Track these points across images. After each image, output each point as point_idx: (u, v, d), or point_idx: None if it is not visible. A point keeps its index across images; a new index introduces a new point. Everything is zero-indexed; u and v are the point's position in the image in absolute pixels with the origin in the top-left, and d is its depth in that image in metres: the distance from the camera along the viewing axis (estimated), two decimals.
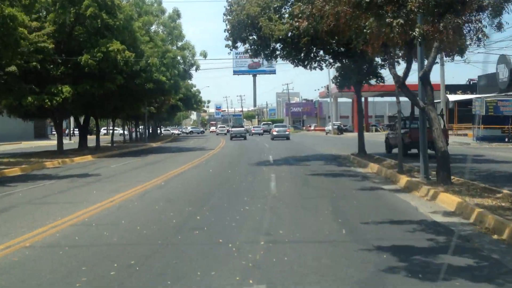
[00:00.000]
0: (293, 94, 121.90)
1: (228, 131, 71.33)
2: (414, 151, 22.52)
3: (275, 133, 53.95)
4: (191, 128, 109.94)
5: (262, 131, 78.52)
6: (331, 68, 27.43)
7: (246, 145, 43.97)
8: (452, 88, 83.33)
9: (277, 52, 24.67)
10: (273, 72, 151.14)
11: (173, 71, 33.58)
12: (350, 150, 30.61)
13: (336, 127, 73.19)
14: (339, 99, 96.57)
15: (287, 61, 25.32)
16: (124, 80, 32.03)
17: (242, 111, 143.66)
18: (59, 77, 28.51)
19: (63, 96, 27.26)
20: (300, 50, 24.23)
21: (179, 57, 36.71)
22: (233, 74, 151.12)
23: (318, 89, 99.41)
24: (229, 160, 25.05)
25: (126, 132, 62.92)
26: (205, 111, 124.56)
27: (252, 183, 15.42)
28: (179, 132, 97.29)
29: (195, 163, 23.88)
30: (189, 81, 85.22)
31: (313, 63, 25.34)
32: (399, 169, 15.73)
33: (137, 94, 33.92)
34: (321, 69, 26.81)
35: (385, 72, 28.23)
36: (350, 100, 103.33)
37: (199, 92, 71.41)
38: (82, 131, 36.93)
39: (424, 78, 13.99)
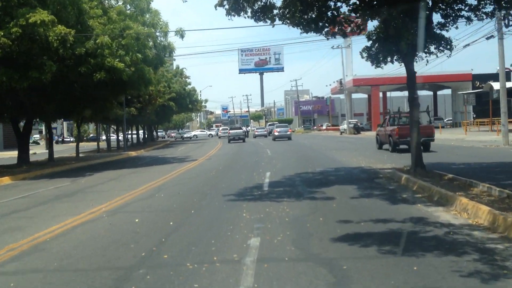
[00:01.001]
0: (303, 91, 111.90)
1: None
2: (404, 146, 23.81)
3: (276, 133, 51.82)
4: (199, 131, 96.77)
5: (266, 132, 68.88)
6: (360, 33, 17.38)
7: (243, 151, 34.29)
8: (483, 78, 73.24)
9: (275, 11, 15.00)
10: (281, 69, 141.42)
11: (135, 55, 23.78)
12: (385, 158, 20.84)
13: (352, 125, 63.21)
14: (353, 95, 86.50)
15: (290, 25, 15.50)
16: (63, 67, 22.48)
17: (248, 111, 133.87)
18: None
19: None
20: (311, 5, 14.79)
21: (150, 39, 27.05)
22: (239, 73, 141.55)
23: (330, 85, 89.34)
24: (196, 187, 15.02)
25: (120, 138, 53.99)
26: (202, 111, 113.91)
27: None
28: (177, 136, 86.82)
29: (135, 193, 14.05)
30: (186, 79, 76.01)
31: (330, 24, 15.58)
32: None
33: (83, 88, 24.28)
34: (344, 35, 17.09)
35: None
36: (365, 96, 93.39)
37: (194, 91, 61.59)
38: (21, 140, 27.30)
39: None
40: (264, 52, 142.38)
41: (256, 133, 69.42)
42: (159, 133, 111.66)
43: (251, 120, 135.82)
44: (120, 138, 55.46)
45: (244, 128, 67.94)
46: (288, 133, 52.17)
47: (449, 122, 75.80)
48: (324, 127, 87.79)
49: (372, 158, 22.01)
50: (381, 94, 76.29)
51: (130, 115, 44.25)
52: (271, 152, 30.46)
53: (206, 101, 75.00)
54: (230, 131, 55.45)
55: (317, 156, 25.25)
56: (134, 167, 24.80)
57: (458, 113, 74.92)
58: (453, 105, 77.30)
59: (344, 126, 64.89)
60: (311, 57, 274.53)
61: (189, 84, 75.49)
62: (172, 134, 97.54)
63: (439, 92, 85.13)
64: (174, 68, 64.50)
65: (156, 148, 49.28)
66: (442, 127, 73.23)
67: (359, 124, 66.19)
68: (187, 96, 60.85)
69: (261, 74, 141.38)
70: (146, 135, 75.21)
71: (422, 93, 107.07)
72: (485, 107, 66.32)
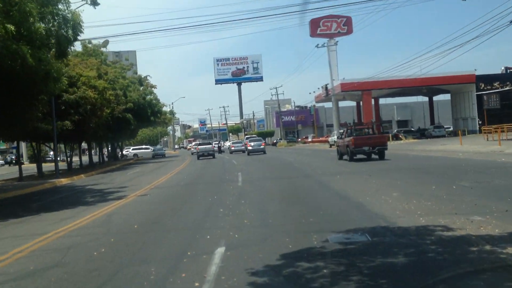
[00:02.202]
0: (284, 101, 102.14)
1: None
2: (360, 156, 26.79)
3: (250, 148, 49.19)
4: (157, 148, 79.00)
5: (244, 147, 58.95)
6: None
7: (205, 176, 24.11)
8: (488, 79, 64.39)
9: None
10: (260, 79, 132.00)
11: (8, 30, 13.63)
12: (440, 196, 10.70)
13: None
14: (339, 103, 76.95)
15: None
16: None
17: (226, 124, 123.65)
18: None
19: None
20: None
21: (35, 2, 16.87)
22: (215, 84, 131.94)
23: (314, 92, 79.54)
24: None
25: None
26: (171, 125, 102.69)
27: None
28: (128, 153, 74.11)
29: None
30: (152, 88, 65.80)
31: None
32: None
33: None
34: None
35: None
36: (352, 104, 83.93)
37: (157, 100, 51.38)
38: None
39: None
40: (241, 61, 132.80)
41: (233, 148, 59.49)
42: (131, 151, 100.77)
43: (230, 134, 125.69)
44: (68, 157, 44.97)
45: (214, 143, 61.89)
46: (262, 147, 49.32)
47: (448, 130, 66.36)
48: (309, 139, 78.18)
49: (414, 195, 12.01)
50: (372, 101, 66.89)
51: (65, 130, 33.85)
52: (243, 180, 20.38)
53: (172, 112, 64.31)
54: (199, 146, 50.03)
55: (316, 191, 15.21)
56: (13, 215, 14.49)
57: (460, 120, 65.73)
58: (453, 111, 68.08)
59: (334, 137, 55.08)
60: (291, 66, 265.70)
61: (150, 92, 65.48)
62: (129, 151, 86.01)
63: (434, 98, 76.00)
64: (133, 74, 54.27)
65: (107, 171, 38.81)
66: (442, 136, 64.07)
67: None
68: (148, 106, 50.54)
69: (239, 84, 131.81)
70: (106, 153, 64.76)
71: (412, 99, 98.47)
72: (497, 111, 57.55)
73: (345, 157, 27.74)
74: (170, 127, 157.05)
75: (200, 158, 46.37)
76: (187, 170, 30.93)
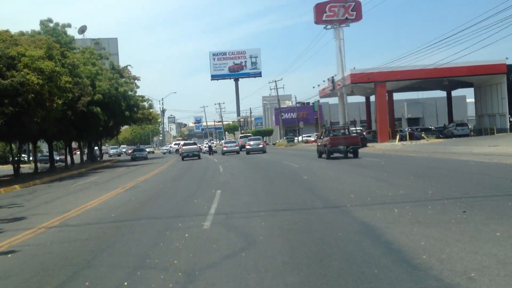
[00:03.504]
0: (284, 97, 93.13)
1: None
2: (336, 154, 28.55)
3: (248, 147, 47.15)
4: (137, 149, 61.24)
5: (238, 147, 50.31)
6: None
7: (170, 193, 15.24)
8: None
9: None
10: (258, 74, 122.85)
11: None
12: None
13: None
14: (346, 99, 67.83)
15: None
16: None
17: (221, 122, 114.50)
18: None
19: None
20: None
21: None
22: (211, 79, 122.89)
23: (319, 85, 70.35)
24: None
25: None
26: (157, 123, 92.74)
27: None
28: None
29: None
30: (134, 81, 56.83)
31: None
32: None
33: None
34: None
35: None
36: (360, 100, 75.05)
37: (133, 91, 42.16)
38: None
39: None
40: (239, 55, 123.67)
41: (225, 148, 50.60)
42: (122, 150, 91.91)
43: (226, 132, 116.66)
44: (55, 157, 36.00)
45: (205, 143, 58.27)
46: (261, 146, 47.09)
47: (466, 129, 57.09)
48: (313, 138, 69.22)
49: None
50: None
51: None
52: (216, 213, 11.29)
53: (151, 106, 54.75)
54: (183, 147, 46.71)
55: (358, 244, 6.32)
56: None
57: (485, 116, 56.71)
58: (476, 106, 59.01)
59: None
60: (292, 61, 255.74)
61: (136, 87, 56.43)
62: (110, 151, 77.03)
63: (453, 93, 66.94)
64: (112, 65, 45.16)
65: (53, 180, 29.80)
66: (466, 135, 55.11)
67: (364, 133, 47.34)
68: (122, 99, 41.44)
69: (236, 80, 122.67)
70: (79, 154, 55.84)
71: (424, 95, 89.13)
72: None
73: (323, 155, 29.67)
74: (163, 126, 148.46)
75: (185, 159, 43.47)
76: (150, 181, 21.86)
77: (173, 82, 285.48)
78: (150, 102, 54.27)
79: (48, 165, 44.44)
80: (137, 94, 46.94)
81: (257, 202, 12.14)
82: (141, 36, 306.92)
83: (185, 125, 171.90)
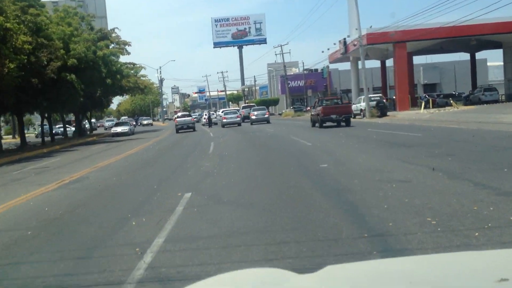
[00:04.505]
0: (291, 64, 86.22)
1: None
2: (329, 123, 28.49)
3: (253, 117, 45.37)
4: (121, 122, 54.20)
5: (239, 119, 44.50)
6: None
7: (119, 190, 9.41)
8: None
9: None
10: (263, 41, 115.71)
11: None
12: None
13: (375, 102, 38.10)
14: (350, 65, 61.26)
15: None
16: None
17: (225, 92, 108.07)
18: None
19: None
20: None
21: None
22: (214, 47, 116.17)
23: (328, 49, 63.53)
24: None
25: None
26: (151, 92, 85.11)
27: None
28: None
29: None
30: (124, 46, 50.48)
31: None
32: None
33: None
34: None
35: None
36: (374, 64, 68.43)
37: (115, 56, 35.53)
38: None
39: None
40: (242, 21, 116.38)
41: (225, 120, 44.67)
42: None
43: (230, 103, 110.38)
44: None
45: (205, 115, 55.47)
46: (266, 116, 45.71)
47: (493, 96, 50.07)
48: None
49: None
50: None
51: None
52: (180, 225, 5.36)
53: (136, 71, 47.63)
54: (177, 119, 43.24)
55: None
56: None
57: None
58: (506, 69, 52.26)
59: (361, 104, 39.75)
60: (298, 25, 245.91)
61: (126, 53, 50.21)
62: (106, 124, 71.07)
63: (478, 55, 60.05)
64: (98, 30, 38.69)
65: (13, 161, 24.05)
66: (495, 101, 48.68)
67: (385, 100, 40.95)
68: (103, 65, 35.17)
69: (240, 47, 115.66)
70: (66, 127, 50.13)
71: (443, 58, 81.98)
72: None
73: (317, 124, 29.59)
74: (165, 96, 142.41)
75: (180, 131, 40.90)
76: (109, 169, 15.81)
77: (175, 54, 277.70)
78: (136, 68, 48.01)
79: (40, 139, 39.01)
80: (122, 60, 40.67)
81: (247, 225, 6.23)
82: (142, 6, 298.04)
83: (189, 95, 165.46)
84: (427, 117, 32.07)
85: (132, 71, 50.28)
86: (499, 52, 55.49)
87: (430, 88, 77.96)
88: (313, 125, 30.93)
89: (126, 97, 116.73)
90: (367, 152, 13.77)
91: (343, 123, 28.63)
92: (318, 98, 35.73)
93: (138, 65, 50.32)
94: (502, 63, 77.52)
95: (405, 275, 1.57)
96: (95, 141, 39.72)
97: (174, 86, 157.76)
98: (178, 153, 19.44)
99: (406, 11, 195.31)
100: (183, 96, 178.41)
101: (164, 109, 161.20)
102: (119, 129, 45.37)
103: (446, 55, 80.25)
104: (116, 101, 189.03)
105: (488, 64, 79.85)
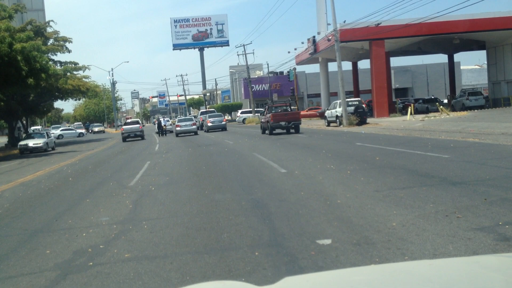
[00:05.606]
0: (255, 66, 79.98)
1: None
2: (278, 131, 29.15)
3: (210, 124, 42.06)
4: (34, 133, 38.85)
5: (195, 127, 38.25)
6: None
7: None
8: None
9: None
10: (225, 43, 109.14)
11: None
12: None
13: (353, 107, 32.14)
14: (316, 68, 55.42)
15: None
16: None
17: (185, 96, 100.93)
18: None
19: None
20: None
21: None
22: (173, 49, 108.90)
23: (295, 49, 57.30)
24: None
25: None
26: (89, 93, 76.56)
27: None
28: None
29: None
30: (62, 42, 43.30)
31: None
32: None
33: None
34: None
35: None
36: (347, 67, 62.74)
37: (39, 50, 28.25)
38: None
39: None
40: (203, 22, 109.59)
41: (178, 128, 38.25)
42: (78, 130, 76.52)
43: (191, 108, 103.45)
44: None
45: (161, 120, 48.30)
46: (223, 123, 43.16)
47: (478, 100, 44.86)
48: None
49: None
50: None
51: None
52: None
53: (65, 71, 39.66)
54: (124, 127, 40.87)
55: None
56: None
57: (502, 83, 45.10)
58: (489, 71, 47.30)
59: (337, 110, 33.66)
60: (261, 22, 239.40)
61: (67, 51, 43.35)
62: (51, 132, 63.10)
63: (456, 56, 55.10)
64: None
65: None
66: (481, 106, 43.65)
67: (364, 104, 34.94)
68: (24, 62, 27.96)
69: (201, 49, 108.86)
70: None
71: (412, 61, 77.29)
72: None
73: (267, 132, 29.64)
74: (123, 102, 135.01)
75: (127, 139, 38.78)
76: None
77: (135, 58, 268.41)
78: (78, 68, 41.07)
79: None
80: (62, 59, 33.52)
81: None
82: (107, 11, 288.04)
83: (149, 100, 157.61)
84: (419, 125, 26.33)
85: (76, 72, 43.18)
86: (472, 55, 50.76)
87: (401, 93, 73.23)
88: (263, 132, 30.91)
89: (81, 101, 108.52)
90: (395, 197, 7.51)
91: (292, 130, 28.90)
92: (268, 105, 36.38)
93: (81, 65, 43.22)
94: (475, 67, 72.44)
95: (365, 285, 1.63)
96: (10, 156, 32.01)
97: (134, 90, 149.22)
98: (81, 188, 12.65)
99: (379, 6, 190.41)
100: (143, 101, 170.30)
101: (124, 115, 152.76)
102: (30, 143, 32.82)
103: (417, 58, 75.63)
104: (71, 106, 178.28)
105: (461, 67, 75.70)
